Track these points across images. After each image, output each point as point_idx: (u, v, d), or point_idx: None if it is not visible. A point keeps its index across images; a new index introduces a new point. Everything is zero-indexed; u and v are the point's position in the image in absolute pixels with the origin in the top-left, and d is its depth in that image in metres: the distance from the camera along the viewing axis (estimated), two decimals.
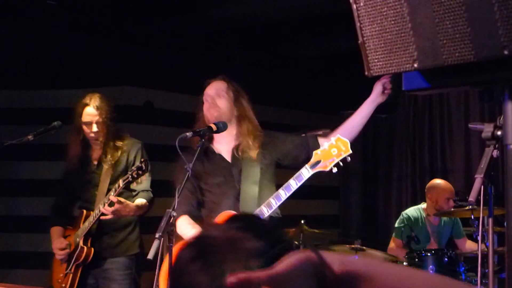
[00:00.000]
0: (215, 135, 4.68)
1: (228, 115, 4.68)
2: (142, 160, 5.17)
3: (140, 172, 5.04)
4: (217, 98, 4.69)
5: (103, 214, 5.18)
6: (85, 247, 5.30)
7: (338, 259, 1.51)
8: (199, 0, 7.65)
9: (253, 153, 4.65)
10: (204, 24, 8.12)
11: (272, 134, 4.84)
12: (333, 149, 4.35)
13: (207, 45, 8.57)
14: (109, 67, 7.93)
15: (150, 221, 5.60)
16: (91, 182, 5.39)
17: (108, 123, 5.39)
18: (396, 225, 7.44)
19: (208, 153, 4.76)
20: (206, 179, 4.74)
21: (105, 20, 7.73)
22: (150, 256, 3.89)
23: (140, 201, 5.32)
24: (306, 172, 4.32)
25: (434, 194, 7.27)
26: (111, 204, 5.13)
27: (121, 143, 5.43)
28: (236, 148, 4.70)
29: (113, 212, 5.14)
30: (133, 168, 5.11)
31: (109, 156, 5.38)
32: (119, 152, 5.39)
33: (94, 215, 5.27)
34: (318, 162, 4.26)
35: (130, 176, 5.05)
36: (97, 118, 5.35)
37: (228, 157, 4.75)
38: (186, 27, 8.12)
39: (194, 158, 4.26)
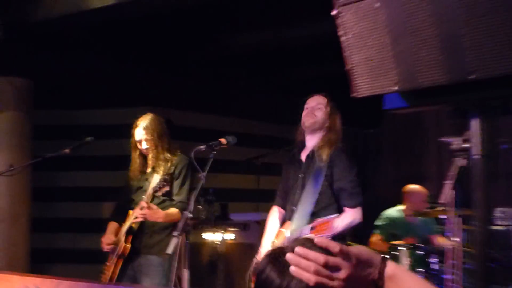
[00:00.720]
0: (307, 139, 4.75)
1: (320, 124, 4.68)
2: (166, 175, 5.18)
3: (165, 183, 5.06)
4: (316, 109, 4.71)
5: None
6: (124, 244, 5.30)
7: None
8: (214, 32, 7.68)
9: (319, 162, 4.59)
10: (217, 53, 8.15)
11: (335, 160, 4.63)
12: (327, 224, 4.29)
13: (219, 70, 8.60)
14: (133, 90, 7.95)
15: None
16: (142, 187, 5.41)
17: (156, 140, 5.40)
18: (378, 223, 7.44)
19: (295, 158, 4.83)
20: (288, 182, 4.83)
21: (129, 48, 7.76)
22: (169, 251, 3.90)
23: (172, 210, 5.31)
24: (305, 230, 4.32)
25: (412, 197, 7.28)
26: (143, 208, 5.15)
27: (170, 156, 5.43)
28: (312, 153, 4.68)
29: (142, 216, 5.16)
30: (161, 178, 5.13)
31: (159, 167, 5.39)
32: (169, 164, 5.39)
33: (132, 215, 5.29)
34: (313, 228, 4.26)
35: (157, 187, 5.08)
36: (145, 137, 5.38)
37: (304, 162, 4.75)
38: (199, 56, 8.16)
39: (207, 168, 4.27)
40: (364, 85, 2.59)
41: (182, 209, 5.35)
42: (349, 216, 4.50)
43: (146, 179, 5.42)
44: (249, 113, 9.37)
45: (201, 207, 7.22)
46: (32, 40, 6.80)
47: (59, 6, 6.21)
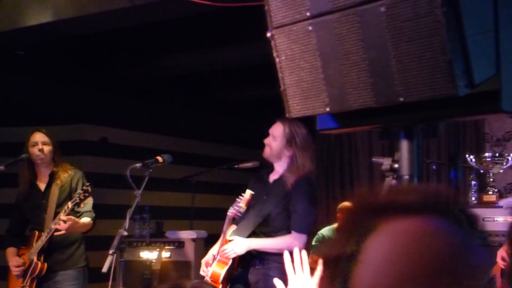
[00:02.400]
0: (275, 164, 4.77)
1: (277, 154, 4.68)
2: (88, 184, 5.14)
3: (87, 194, 5.02)
4: (272, 139, 4.70)
5: (56, 230, 5.12)
6: (39, 263, 5.21)
7: None
8: (146, 53, 7.66)
9: (282, 188, 4.64)
10: (151, 73, 8.14)
11: (296, 188, 4.67)
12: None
13: (153, 90, 8.58)
14: (71, 108, 7.86)
15: (101, 239, 5.56)
16: (40, 207, 5.33)
17: (55, 150, 5.37)
18: (313, 243, 7.48)
19: (262, 178, 4.88)
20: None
21: (64, 66, 7.68)
22: (104, 269, 3.86)
23: (86, 219, 5.27)
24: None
25: (343, 214, 7.36)
26: (65, 222, 5.11)
27: (64, 172, 5.39)
28: (279, 178, 4.71)
29: (66, 229, 5.10)
30: (80, 191, 5.08)
31: (55, 183, 5.34)
32: (64, 180, 5.35)
33: (46, 234, 5.20)
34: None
35: (78, 198, 5.02)
36: (43, 139, 5.33)
37: (270, 183, 4.79)
38: (135, 76, 8.13)
39: (143, 185, 4.25)
40: (297, 106, 2.61)
41: (92, 218, 5.33)
42: (291, 239, 4.50)
43: (41, 198, 5.36)
44: (185, 132, 9.36)
45: (136, 225, 7.16)
46: None
47: None
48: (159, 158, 4.51)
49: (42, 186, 5.43)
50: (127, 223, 4.05)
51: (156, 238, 7.30)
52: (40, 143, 5.35)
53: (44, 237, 5.20)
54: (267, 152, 4.73)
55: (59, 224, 5.08)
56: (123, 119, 8.57)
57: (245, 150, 10.03)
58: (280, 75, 2.66)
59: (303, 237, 4.54)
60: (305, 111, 2.60)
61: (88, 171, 5.82)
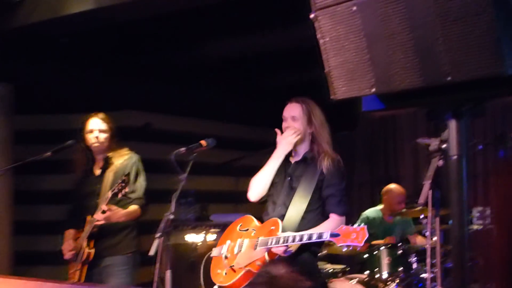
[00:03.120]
0: (294, 149, 4.65)
1: (302, 136, 4.60)
2: (127, 174, 5.16)
3: (123, 184, 5.04)
4: (292, 121, 4.61)
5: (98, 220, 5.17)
6: (87, 248, 5.25)
7: None
8: (189, 39, 7.66)
9: (316, 169, 4.54)
10: (194, 59, 8.13)
11: (330, 168, 4.56)
12: (353, 233, 4.10)
13: (196, 75, 8.58)
14: (113, 94, 7.91)
15: (149, 224, 5.57)
16: (95, 191, 5.35)
17: (112, 135, 5.37)
18: (357, 224, 7.43)
19: (285, 159, 4.70)
20: (273, 181, 4.69)
21: (109, 53, 7.73)
22: (151, 253, 3.87)
23: (132, 207, 5.28)
24: (326, 235, 4.13)
25: (389, 197, 7.30)
26: (103, 212, 5.12)
27: (120, 157, 5.40)
28: (303, 160, 4.63)
29: (104, 219, 5.13)
30: (119, 180, 5.10)
31: (109, 168, 5.36)
32: (119, 165, 5.36)
33: (91, 220, 5.24)
34: (337, 235, 4.08)
35: (116, 189, 5.05)
36: (99, 127, 5.35)
37: (292, 165, 4.67)
38: (178, 61, 8.13)
39: (187, 170, 4.25)
40: (342, 87, 2.58)
41: (141, 205, 5.34)
42: (336, 223, 4.43)
43: (98, 182, 5.38)
44: (229, 116, 9.35)
45: (181, 208, 7.19)
46: (12, 45, 6.74)
47: (37, 12, 6.15)
48: (202, 142, 4.49)
49: (97, 171, 5.46)
50: (173, 207, 4.05)
51: (201, 222, 7.33)
52: (96, 130, 5.37)
53: (90, 223, 5.24)
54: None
55: (98, 215, 5.12)
56: (167, 104, 8.59)
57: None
58: (324, 56, 2.63)
59: (344, 220, 4.50)
60: (350, 92, 2.57)
61: None
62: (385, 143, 10.15)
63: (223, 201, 8.61)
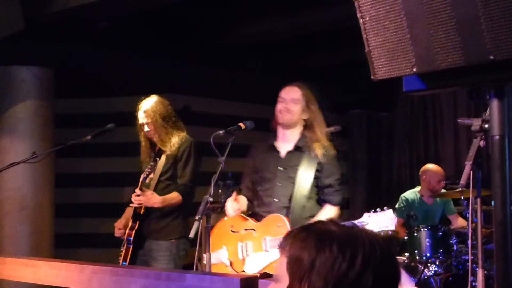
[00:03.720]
0: (281, 134, 4.63)
1: (296, 120, 4.57)
2: (152, 162, 5.20)
3: (150, 170, 5.14)
4: (291, 104, 4.56)
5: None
6: (128, 231, 5.29)
7: None
8: (226, 21, 7.65)
9: (312, 158, 4.49)
10: (231, 41, 8.12)
11: (327, 158, 4.53)
12: (378, 220, 4.12)
13: (234, 57, 8.57)
14: (152, 78, 7.94)
15: (193, 207, 5.58)
16: (151, 172, 5.39)
17: (158, 123, 5.34)
18: (396, 206, 7.38)
19: (270, 150, 4.66)
20: (260, 173, 4.66)
21: (149, 38, 7.76)
22: (191, 235, 3.89)
23: (172, 194, 5.28)
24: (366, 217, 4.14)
25: (428, 176, 7.22)
26: (137, 195, 5.15)
27: (174, 139, 5.38)
28: (296, 149, 4.57)
29: (137, 202, 5.16)
30: (148, 166, 5.15)
31: (164, 150, 5.36)
32: (173, 147, 5.35)
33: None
34: (362, 223, 4.04)
35: (145, 173, 5.11)
36: (145, 120, 5.34)
37: (284, 156, 4.61)
38: (216, 44, 8.13)
39: (226, 152, 4.24)
40: (382, 67, 2.55)
41: (184, 192, 5.31)
42: (332, 213, 4.46)
43: (153, 163, 5.40)
44: (267, 98, 9.33)
45: (220, 190, 7.22)
46: (52, 30, 6.80)
47: None
48: (241, 124, 4.47)
49: (155, 151, 5.49)
50: (212, 189, 4.06)
51: None
52: (141, 118, 5.38)
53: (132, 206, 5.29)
54: (286, 118, 4.56)
55: (132, 197, 5.16)
56: (206, 87, 8.61)
57: (327, 115, 9.96)
58: (364, 36, 2.60)
59: (339, 210, 4.52)
60: (391, 72, 2.54)
61: None
62: (425, 124, 10.08)
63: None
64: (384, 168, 10.88)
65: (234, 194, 4.61)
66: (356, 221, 4.05)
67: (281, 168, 4.55)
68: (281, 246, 1.67)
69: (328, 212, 4.46)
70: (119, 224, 5.41)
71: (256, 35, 7.90)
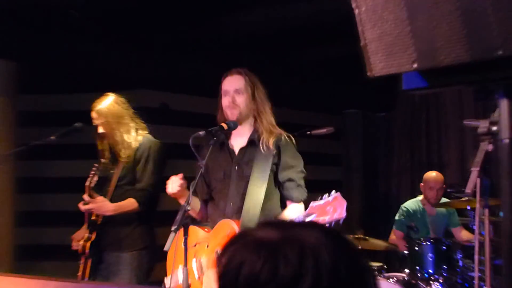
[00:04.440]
0: (240, 126, 4.54)
1: (247, 112, 4.52)
2: (95, 164, 5.20)
3: (92, 173, 5.11)
4: (236, 96, 4.52)
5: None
6: (82, 240, 5.27)
7: None
8: (212, 9, 7.63)
9: (266, 151, 4.42)
10: (215, 32, 8.10)
11: (284, 148, 4.49)
12: (328, 207, 3.83)
13: (219, 50, 8.55)
14: (126, 72, 7.91)
15: (158, 215, 5.56)
16: (107, 178, 5.37)
17: (112, 124, 5.33)
18: (396, 217, 7.41)
19: (223, 148, 4.62)
20: (212, 174, 4.63)
21: (121, 28, 7.72)
22: (166, 247, 3.86)
23: (127, 200, 5.25)
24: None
25: (426, 185, 7.26)
26: (85, 203, 5.14)
27: (132, 141, 5.37)
28: (249, 144, 4.52)
29: (87, 210, 5.15)
30: (93, 167, 5.15)
31: (121, 154, 5.35)
32: (127, 149, 5.34)
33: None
34: (310, 215, 3.84)
35: (89, 177, 5.10)
36: (99, 121, 5.33)
37: (237, 153, 4.57)
38: (199, 34, 8.11)
39: (207, 155, 4.23)
40: (379, 63, 2.55)
41: (142, 199, 5.28)
42: (295, 211, 4.38)
43: (111, 168, 5.39)
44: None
45: None
46: (15, 19, 6.76)
47: None
48: (224, 125, 4.45)
49: (108, 155, 5.47)
50: (190, 196, 4.05)
51: None
52: (94, 120, 5.37)
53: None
54: (235, 113, 4.50)
55: (81, 205, 5.14)
56: (185, 83, 8.59)
57: (319, 115, 9.98)
58: (360, 28, 2.60)
59: (303, 206, 4.39)
60: (389, 68, 2.53)
61: None
62: (428, 125, 10.10)
63: None
64: (382, 175, 10.89)
65: (180, 175, 4.47)
66: (302, 215, 3.97)
67: (235, 167, 4.51)
68: (218, 259, 1.62)
69: (292, 211, 4.40)
70: (77, 236, 5.39)
71: (242, 26, 7.89)
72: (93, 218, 5.27)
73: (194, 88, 8.73)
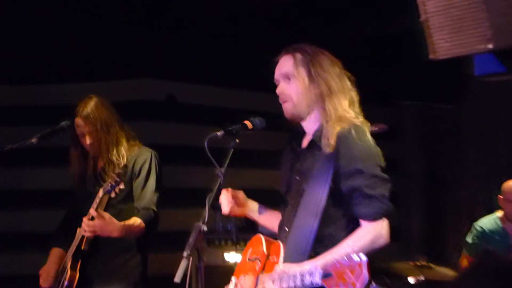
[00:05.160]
0: (304, 123, 4.35)
1: (305, 102, 4.26)
2: (119, 169, 5.18)
3: (118, 179, 5.04)
4: (284, 83, 4.32)
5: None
6: (69, 271, 5.29)
7: None
8: None
9: (326, 154, 4.10)
10: (229, 8, 8.11)
11: (344, 144, 4.08)
12: (348, 271, 3.44)
13: (235, 28, 8.57)
14: (125, 57, 7.96)
15: (163, 237, 5.59)
16: (90, 198, 5.38)
17: (102, 133, 5.37)
18: (468, 239, 7.36)
19: (293, 153, 4.47)
20: (284, 187, 4.49)
21: (118, 5, 7.76)
22: (177, 279, 3.87)
23: (133, 220, 5.28)
24: (309, 279, 3.63)
25: (503, 197, 7.20)
26: (91, 218, 5.15)
27: (124, 152, 5.42)
28: (310, 146, 4.29)
29: (91, 229, 5.15)
30: (112, 174, 5.13)
31: (109, 169, 5.38)
32: (121, 163, 5.38)
33: (79, 233, 5.28)
34: (328, 275, 3.47)
35: (109, 185, 5.06)
36: (87, 128, 5.36)
37: (300, 159, 4.38)
38: (209, 10, 8.13)
39: (227, 161, 4.22)
40: (445, 42, 2.55)
41: (147, 218, 5.33)
42: (366, 235, 4.03)
43: (95, 186, 5.42)
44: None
45: (218, 216, 7.22)
46: None
47: None
48: (247, 123, 4.42)
49: (97, 169, 5.52)
50: (206, 213, 4.06)
51: (246, 234, 7.35)
52: (80, 127, 5.41)
53: (79, 237, 5.30)
54: (288, 107, 4.30)
55: (84, 222, 5.15)
56: (197, 70, 8.62)
57: (367, 108, 9.96)
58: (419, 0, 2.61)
59: (383, 224, 4.01)
60: (457, 49, 2.54)
61: (150, 142, 5.88)
62: (507, 120, 10.05)
63: (276, 204, 8.63)
64: (449, 184, 10.85)
65: (229, 189, 4.48)
66: (320, 271, 3.72)
67: (296, 178, 4.35)
68: None
69: (361, 235, 4.04)
70: (47, 273, 5.43)
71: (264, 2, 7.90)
72: (83, 245, 5.31)
73: (208, 76, 8.75)
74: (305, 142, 4.37)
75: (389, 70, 9.70)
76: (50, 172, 8.51)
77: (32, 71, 8.39)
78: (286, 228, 4.26)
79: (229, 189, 4.49)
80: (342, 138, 4.07)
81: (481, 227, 7.31)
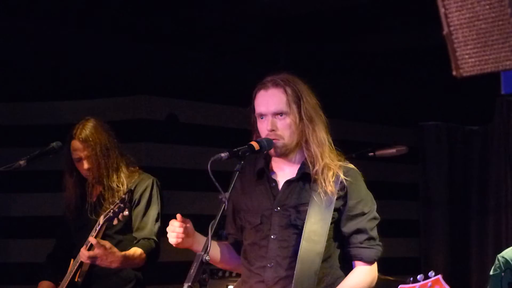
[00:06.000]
0: (286, 158, 4.47)
1: (294, 139, 4.40)
2: (124, 194, 5.18)
3: (122, 205, 5.04)
4: (277, 120, 4.38)
5: (82, 263, 5.21)
6: None
7: None
8: None
9: (326, 192, 4.28)
10: (238, 16, 8.14)
11: (353, 188, 4.38)
12: None
13: (244, 42, 8.60)
14: (121, 72, 7.98)
15: (161, 268, 5.59)
16: (87, 226, 5.39)
17: (101, 158, 5.38)
18: (491, 272, 7.34)
19: (261, 178, 4.54)
20: (245, 216, 4.58)
21: (115, 15, 7.79)
22: None
23: (134, 250, 5.29)
24: None
25: None
26: (90, 247, 5.14)
27: (124, 179, 5.43)
28: (301, 178, 4.42)
29: (91, 259, 5.14)
30: (115, 200, 5.14)
31: (108, 195, 5.40)
32: (121, 191, 5.39)
33: (74, 264, 5.28)
34: None
35: (111, 212, 5.06)
36: (86, 152, 5.38)
37: (282, 189, 4.46)
38: (215, 21, 8.16)
39: (231, 185, 4.21)
40: (469, 58, 2.56)
41: (148, 249, 5.34)
42: (367, 278, 4.33)
43: (90, 214, 5.43)
44: None
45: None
46: None
47: None
48: (254, 144, 4.44)
49: (94, 195, 5.53)
50: (209, 242, 4.07)
51: None
52: (78, 151, 5.42)
53: (73, 269, 5.30)
54: (279, 146, 4.38)
55: (82, 251, 5.15)
56: (200, 87, 8.64)
57: (385, 128, 9.97)
58: (442, 11, 2.61)
59: (376, 266, 4.39)
60: (483, 65, 2.54)
61: (149, 166, 5.89)
62: None
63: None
64: (475, 212, 10.83)
65: (178, 216, 4.34)
66: None
67: (278, 209, 4.43)
68: None
69: (358, 276, 4.33)
70: None
71: (274, 8, 7.92)
72: (76, 278, 5.32)
73: (213, 94, 8.76)
74: (285, 173, 4.48)
75: (410, 89, 9.71)
76: (39, 197, 8.52)
77: (21, 88, 8.42)
78: (272, 265, 4.34)
79: (179, 215, 4.35)
80: (349, 179, 4.37)
81: (505, 258, 7.28)
